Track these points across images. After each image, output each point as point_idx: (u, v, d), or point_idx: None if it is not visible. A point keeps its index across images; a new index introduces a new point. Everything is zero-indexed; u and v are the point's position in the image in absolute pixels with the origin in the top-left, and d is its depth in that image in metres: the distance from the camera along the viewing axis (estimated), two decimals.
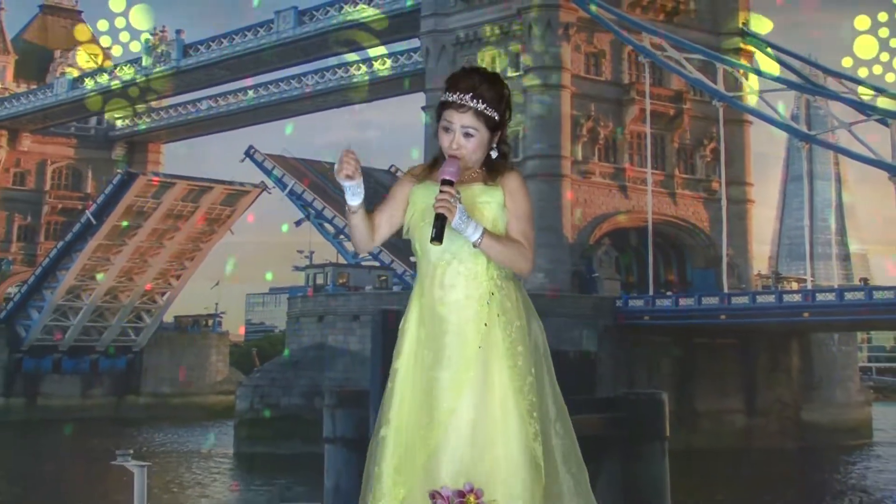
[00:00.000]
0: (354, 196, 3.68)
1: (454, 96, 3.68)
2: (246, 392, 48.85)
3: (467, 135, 3.69)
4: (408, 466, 3.65)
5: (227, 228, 65.06)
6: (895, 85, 41.80)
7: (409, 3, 55.23)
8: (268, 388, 48.02)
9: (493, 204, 3.70)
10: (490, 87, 3.70)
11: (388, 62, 59.55)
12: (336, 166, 3.64)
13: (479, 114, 3.67)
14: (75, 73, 70.08)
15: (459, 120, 3.68)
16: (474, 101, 3.66)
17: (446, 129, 3.72)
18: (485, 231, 3.61)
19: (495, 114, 3.70)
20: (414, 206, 3.78)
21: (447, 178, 3.57)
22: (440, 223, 3.54)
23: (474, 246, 3.62)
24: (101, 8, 55.00)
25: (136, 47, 59.86)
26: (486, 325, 3.67)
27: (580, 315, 45.83)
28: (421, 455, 3.61)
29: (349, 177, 3.63)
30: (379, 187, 56.54)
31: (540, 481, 3.60)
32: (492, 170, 3.76)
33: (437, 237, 3.54)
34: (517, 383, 3.64)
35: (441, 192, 3.55)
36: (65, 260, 63.96)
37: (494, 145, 3.77)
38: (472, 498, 3.51)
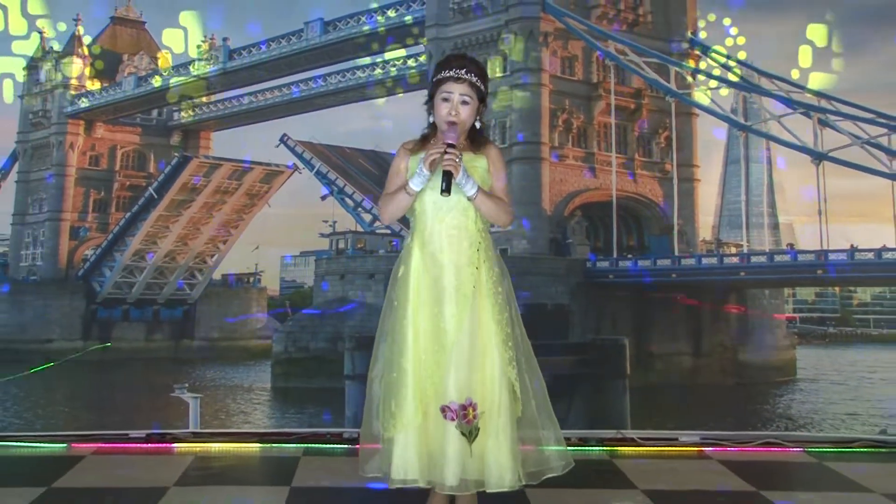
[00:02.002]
0: (422, 183, 3.68)
1: (451, 72, 3.70)
2: (281, 337, 48.94)
3: (464, 102, 3.70)
4: (425, 394, 3.66)
5: (265, 202, 65.17)
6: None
7: (414, 16, 55.08)
8: (299, 334, 48.08)
9: (479, 168, 3.72)
10: (477, 66, 3.75)
11: (399, 64, 59.26)
12: (433, 156, 3.61)
13: (472, 85, 3.70)
14: (142, 73, 69.78)
15: (458, 89, 3.69)
16: (468, 74, 3.70)
17: (445, 100, 3.71)
18: (479, 187, 3.65)
19: (483, 86, 3.73)
20: (411, 172, 3.74)
21: (450, 141, 3.59)
22: (447, 178, 3.56)
23: (469, 199, 3.65)
24: (164, 19, 54.57)
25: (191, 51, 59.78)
26: (476, 268, 3.70)
27: (556, 274, 45.92)
28: (435, 379, 3.64)
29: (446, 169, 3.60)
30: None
31: (515, 397, 3.66)
32: (475, 142, 3.77)
33: (447, 189, 3.56)
34: (497, 316, 3.68)
35: (447, 152, 3.56)
36: (132, 228, 64.12)
37: (478, 117, 3.77)
38: (471, 410, 3.59)
